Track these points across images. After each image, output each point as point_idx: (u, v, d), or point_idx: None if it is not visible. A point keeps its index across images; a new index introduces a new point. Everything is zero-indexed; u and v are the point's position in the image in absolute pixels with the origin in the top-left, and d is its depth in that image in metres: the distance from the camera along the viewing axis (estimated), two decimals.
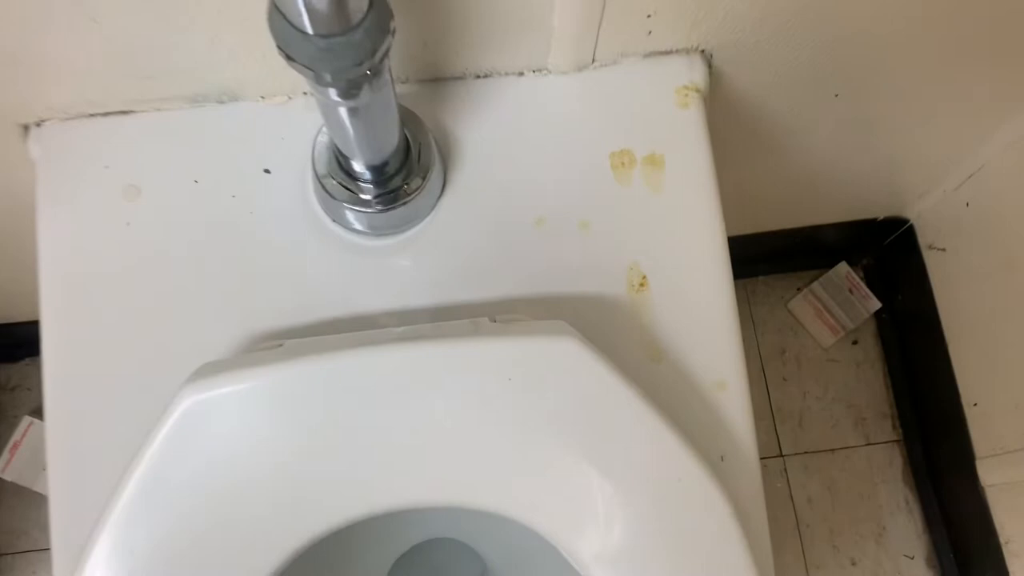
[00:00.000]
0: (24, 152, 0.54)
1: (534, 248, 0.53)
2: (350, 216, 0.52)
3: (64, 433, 0.49)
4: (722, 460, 0.50)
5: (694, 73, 0.56)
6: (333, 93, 0.40)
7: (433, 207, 0.53)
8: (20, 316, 0.94)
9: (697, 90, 0.56)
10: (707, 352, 0.51)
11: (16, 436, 0.96)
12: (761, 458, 0.52)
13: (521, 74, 0.56)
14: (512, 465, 0.45)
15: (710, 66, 0.57)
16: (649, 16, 0.52)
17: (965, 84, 0.69)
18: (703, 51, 0.56)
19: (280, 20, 0.35)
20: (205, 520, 0.44)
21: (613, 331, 0.52)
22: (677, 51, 0.56)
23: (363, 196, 0.51)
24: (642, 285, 0.52)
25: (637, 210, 0.53)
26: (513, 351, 0.45)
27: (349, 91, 0.40)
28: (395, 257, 0.53)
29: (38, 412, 0.98)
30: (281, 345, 0.47)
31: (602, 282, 0.52)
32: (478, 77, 0.55)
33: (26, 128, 0.53)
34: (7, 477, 0.96)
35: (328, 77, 0.37)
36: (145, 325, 0.50)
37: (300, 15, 0.34)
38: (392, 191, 0.51)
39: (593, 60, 0.55)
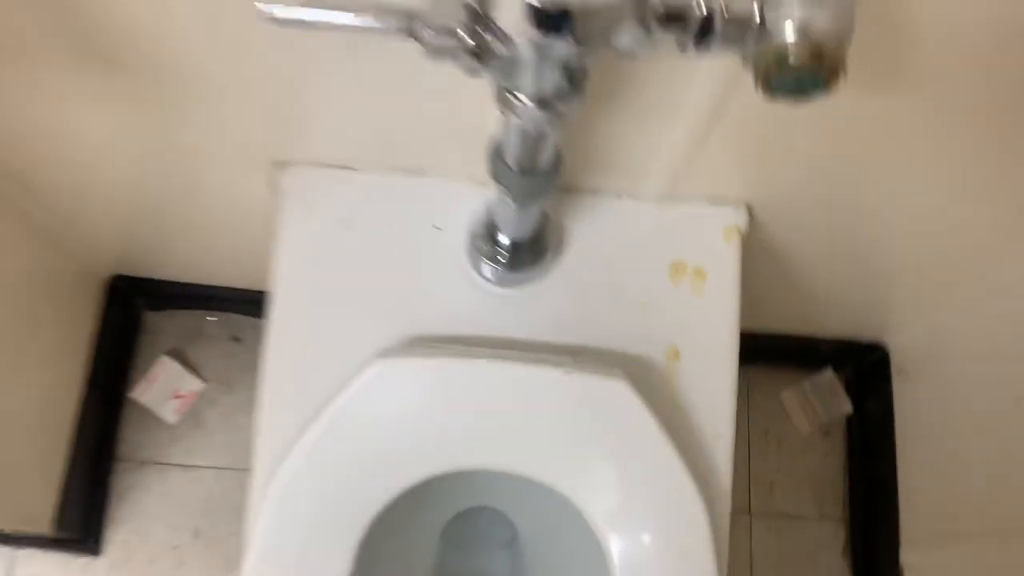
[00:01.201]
0: (275, 182, 0.78)
1: (605, 317, 0.76)
2: (487, 270, 0.76)
3: (279, 381, 0.72)
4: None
5: (739, 218, 0.80)
6: (512, 202, 0.64)
7: (543, 276, 0.77)
8: (194, 278, 1.17)
9: (739, 231, 0.79)
10: (711, 411, 0.75)
11: (155, 370, 1.20)
12: (733, 513, 0.74)
13: (619, 196, 0.80)
14: (563, 455, 0.68)
15: (751, 215, 0.81)
16: (714, 176, 0.76)
17: (964, 253, 0.89)
18: (748, 205, 0.80)
19: (500, 163, 0.59)
20: (368, 447, 0.67)
21: (651, 384, 0.75)
22: (730, 201, 0.80)
23: (499, 259, 0.74)
24: (675, 357, 0.76)
25: (682, 305, 0.77)
26: (586, 383, 0.68)
27: (524, 203, 0.64)
28: (512, 304, 0.76)
29: (172, 353, 1.22)
30: (434, 347, 0.71)
31: (649, 349, 0.76)
32: (590, 192, 0.79)
33: (279, 164, 0.78)
34: (142, 400, 1.20)
35: (517, 197, 0.61)
36: (345, 314, 0.74)
37: (514, 163, 0.58)
38: (520, 259, 0.75)
39: (671, 196, 0.79)
